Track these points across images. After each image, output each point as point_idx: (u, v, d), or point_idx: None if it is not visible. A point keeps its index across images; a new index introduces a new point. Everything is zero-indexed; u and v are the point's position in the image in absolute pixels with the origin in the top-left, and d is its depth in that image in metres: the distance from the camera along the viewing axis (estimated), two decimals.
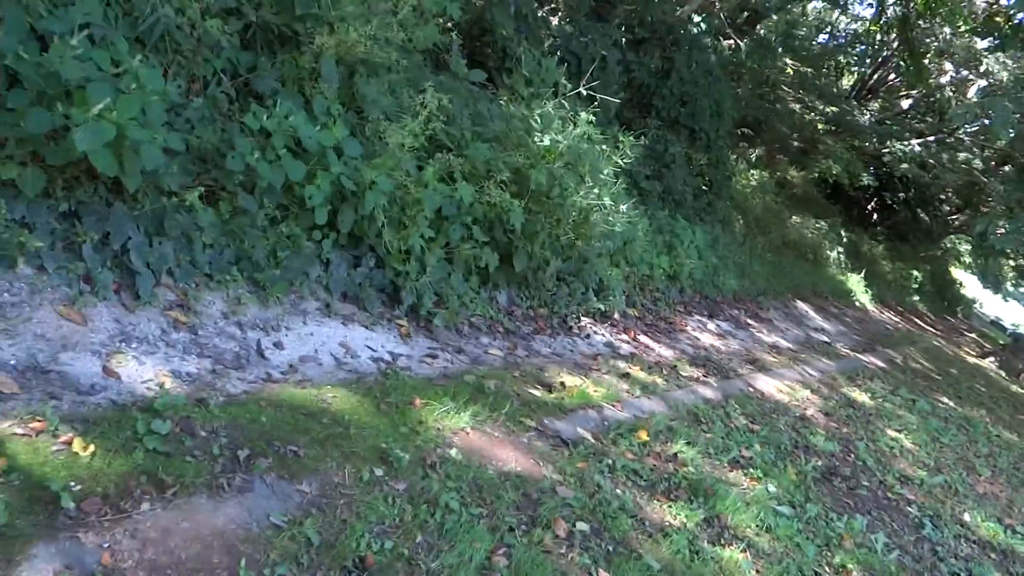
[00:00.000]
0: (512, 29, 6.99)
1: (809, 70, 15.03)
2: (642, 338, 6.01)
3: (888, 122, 16.49)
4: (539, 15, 7.82)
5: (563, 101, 5.72)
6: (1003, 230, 10.93)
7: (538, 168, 4.99)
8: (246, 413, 2.70)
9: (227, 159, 3.51)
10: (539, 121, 5.37)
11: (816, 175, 16.03)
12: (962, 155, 16.11)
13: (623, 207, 6.19)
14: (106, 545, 1.93)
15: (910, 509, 5.00)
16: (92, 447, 2.20)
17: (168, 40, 3.65)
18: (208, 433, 2.50)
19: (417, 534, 2.50)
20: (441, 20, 5.21)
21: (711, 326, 7.41)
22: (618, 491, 3.43)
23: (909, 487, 5.37)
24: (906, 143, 15.37)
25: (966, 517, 5.36)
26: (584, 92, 5.89)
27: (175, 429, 2.43)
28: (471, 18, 6.65)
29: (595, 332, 5.62)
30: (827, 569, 3.70)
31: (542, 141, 5.22)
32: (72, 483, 2.05)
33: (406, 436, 3.02)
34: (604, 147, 5.78)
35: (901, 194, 17.23)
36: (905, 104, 17.63)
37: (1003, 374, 16.58)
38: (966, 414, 8.80)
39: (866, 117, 15.88)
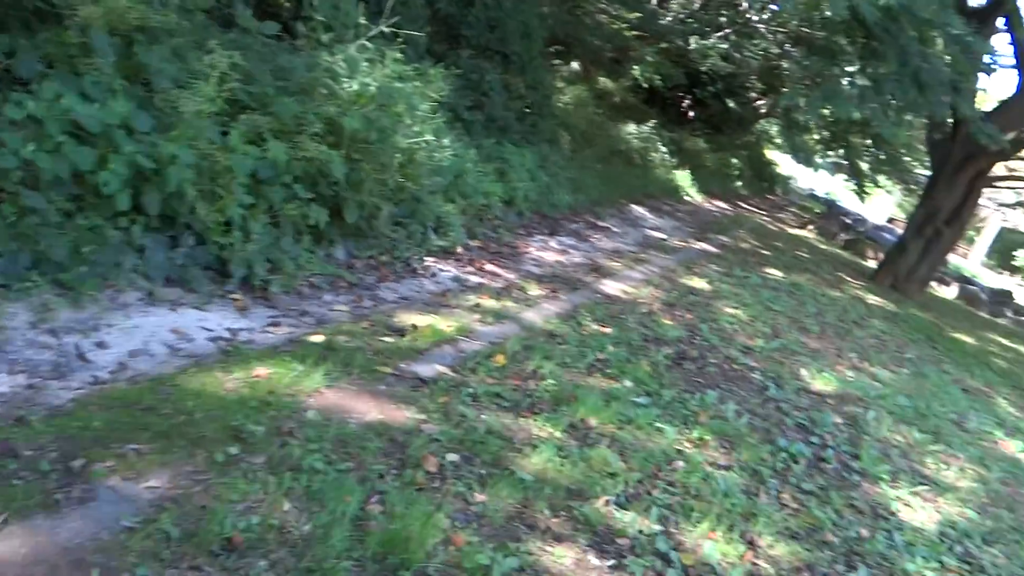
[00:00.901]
0: None
1: None
2: (488, 267, 6.09)
3: (689, 20, 17.16)
4: None
5: (366, 43, 5.55)
6: (802, 106, 11.72)
7: (351, 115, 4.85)
8: (75, 422, 2.53)
9: None
10: (345, 66, 5.20)
11: (632, 82, 16.53)
12: (758, 42, 17.09)
13: (447, 141, 6.16)
14: None
15: (754, 376, 5.43)
16: None
17: None
18: (34, 451, 2.32)
19: (284, 502, 2.47)
20: None
21: (553, 243, 7.60)
22: (483, 416, 3.51)
23: (751, 356, 5.83)
24: (708, 39, 16.09)
25: (803, 373, 5.90)
26: (387, 31, 5.74)
27: None
28: None
29: (441, 270, 5.63)
30: (687, 444, 3.98)
31: (351, 87, 5.06)
32: None
33: (257, 409, 2.94)
34: (417, 84, 5.69)
35: (711, 88, 18.09)
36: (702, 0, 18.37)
37: (822, 239, 18.13)
38: (793, 281, 9.59)
39: (668, 18, 16.45)
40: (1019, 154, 13.00)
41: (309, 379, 3.29)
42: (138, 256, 3.72)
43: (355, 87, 5.06)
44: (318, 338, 3.79)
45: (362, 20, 5.72)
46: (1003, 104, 11.69)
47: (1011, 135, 11.41)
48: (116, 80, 3.88)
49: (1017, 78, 11.08)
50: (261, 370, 3.26)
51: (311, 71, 5.20)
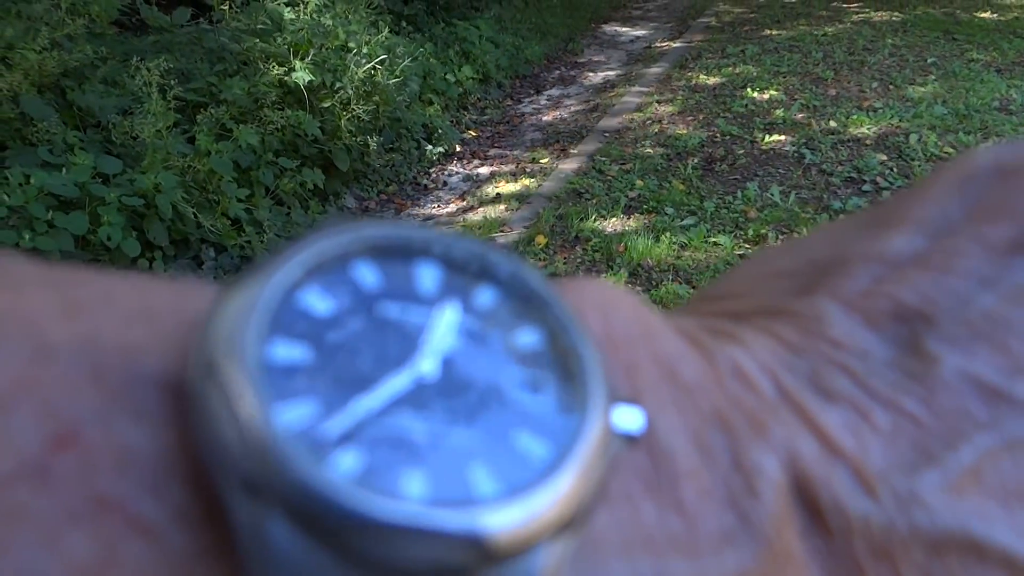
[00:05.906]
0: None
1: None
2: (492, 152, 5.98)
3: None
4: None
5: None
6: None
7: (298, 69, 4.69)
8: None
9: None
10: (269, 22, 4.99)
11: None
12: None
13: (400, 48, 5.94)
14: None
15: (786, 149, 5.30)
16: None
17: None
18: None
19: None
20: None
21: (543, 101, 7.38)
22: None
23: (776, 130, 5.67)
24: None
25: (832, 124, 5.73)
26: None
27: None
28: None
29: (449, 175, 5.56)
30: (746, 246, 3.95)
31: (286, 40, 4.88)
32: None
33: None
34: (344, 4, 5.45)
35: None
36: None
37: None
38: (790, 35, 9.17)
39: None
40: None
41: None
42: None
43: (288, 38, 4.87)
44: None
45: None
46: None
47: None
48: (68, 135, 3.81)
49: None
50: None
51: (240, 42, 5.01)
